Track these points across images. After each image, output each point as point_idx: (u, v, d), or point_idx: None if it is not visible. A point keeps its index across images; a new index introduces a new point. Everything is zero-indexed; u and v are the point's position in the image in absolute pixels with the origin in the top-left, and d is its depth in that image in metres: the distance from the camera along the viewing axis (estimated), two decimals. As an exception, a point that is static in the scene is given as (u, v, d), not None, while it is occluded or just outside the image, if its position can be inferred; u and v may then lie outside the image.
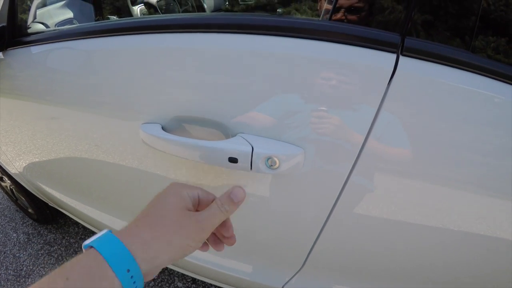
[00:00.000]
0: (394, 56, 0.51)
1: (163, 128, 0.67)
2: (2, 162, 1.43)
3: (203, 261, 0.94)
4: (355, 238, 0.67)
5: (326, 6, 0.66)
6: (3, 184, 1.90)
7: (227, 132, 0.63)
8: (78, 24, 1.25)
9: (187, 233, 0.42)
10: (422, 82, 0.51)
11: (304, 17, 1.30)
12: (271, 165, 0.59)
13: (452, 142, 0.52)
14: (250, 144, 0.58)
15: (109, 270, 0.36)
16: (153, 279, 1.51)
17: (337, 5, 0.58)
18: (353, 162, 0.57)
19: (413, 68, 0.51)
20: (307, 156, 0.59)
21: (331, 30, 0.54)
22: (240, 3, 1.94)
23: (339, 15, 0.58)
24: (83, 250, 0.39)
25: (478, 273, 0.64)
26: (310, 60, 0.55)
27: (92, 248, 0.38)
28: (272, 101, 0.58)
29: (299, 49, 0.56)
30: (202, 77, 0.63)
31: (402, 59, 0.51)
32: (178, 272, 1.53)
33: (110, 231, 0.41)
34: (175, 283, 1.49)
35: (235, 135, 0.61)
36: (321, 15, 0.69)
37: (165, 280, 1.51)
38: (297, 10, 1.45)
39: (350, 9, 0.57)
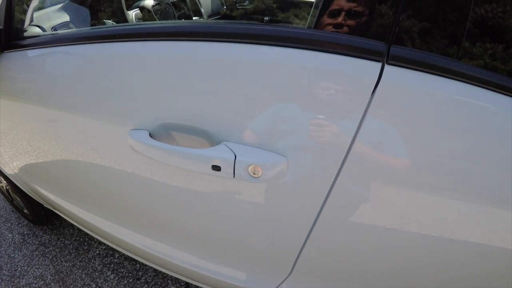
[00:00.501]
0: (379, 64, 0.52)
1: (150, 135, 0.68)
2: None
3: (195, 266, 0.95)
4: (342, 243, 0.68)
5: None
6: (-1, 184, 1.91)
7: (212, 140, 0.64)
8: (74, 29, 1.27)
9: None
10: (406, 90, 0.51)
11: (294, 25, 1.31)
12: (254, 173, 0.60)
13: (437, 149, 0.53)
14: (233, 152, 0.59)
15: None
16: (147, 282, 1.52)
17: (326, 13, 0.59)
18: (338, 169, 0.58)
19: (398, 77, 0.52)
20: (291, 164, 0.60)
21: (317, 39, 0.55)
22: (238, 7, 1.96)
23: (327, 24, 0.59)
24: None
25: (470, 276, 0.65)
26: (296, 68, 0.56)
27: None
28: (257, 109, 0.60)
29: (284, 58, 0.57)
30: (188, 85, 0.64)
31: (387, 67, 0.52)
32: (171, 276, 1.54)
33: None
34: (169, 286, 1.50)
35: (220, 143, 0.62)
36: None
37: (159, 283, 1.52)
38: (296, 16, 1.46)
39: (338, 18, 0.58)
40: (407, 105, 0.52)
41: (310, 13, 0.62)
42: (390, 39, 0.52)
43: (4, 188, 1.86)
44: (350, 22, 0.57)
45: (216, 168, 0.60)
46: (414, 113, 0.52)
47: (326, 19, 0.59)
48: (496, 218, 0.54)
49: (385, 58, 0.52)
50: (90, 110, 0.81)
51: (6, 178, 1.57)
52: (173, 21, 1.37)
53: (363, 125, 0.54)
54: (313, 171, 0.61)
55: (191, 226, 0.86)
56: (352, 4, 0.56)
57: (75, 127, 0.88)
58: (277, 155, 0.60)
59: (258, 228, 0.74)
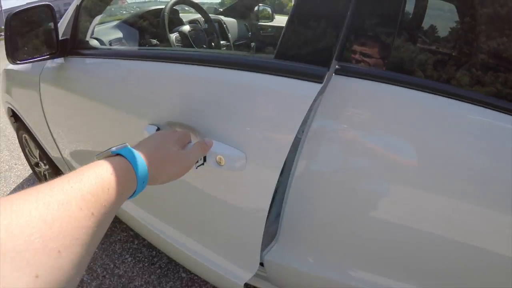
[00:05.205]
0: (319, 85, 0.68)
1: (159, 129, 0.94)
2: (46, 147, 1.76)
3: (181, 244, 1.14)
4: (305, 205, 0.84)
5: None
6: (37, 169, 2.22)
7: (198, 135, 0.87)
8: (121, 47, 1.56)
9: (181, 164, 0.63)
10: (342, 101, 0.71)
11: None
12: (219, 163, 0.80)
13: (365, 146, 0.71)
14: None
15: (134, 180, 0.50)
16: (160, 267, 1.74)
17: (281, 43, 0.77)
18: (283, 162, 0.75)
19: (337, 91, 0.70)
20: (249, 158, 0.79)
21: (276, 67, 0.76)
22: (262, 34, 2.24)
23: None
24: (110, 153, 0.52)
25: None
26: (247, 88, 0.80)
27: (124, 158, 0.51)
28: (228, 115, 0.82)
29: (251, 81, 0.79)
30: (183, 96, 0.91)
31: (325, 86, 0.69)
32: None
33: (129, 146, 0.54)
34: (180, 273, 1.71)
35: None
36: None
37: (171, 269, 1.74)
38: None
39: (290, 45, 0.76)
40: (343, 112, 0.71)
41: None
42: (329, 63, 0.69)
43: (42, 173, 2.16)
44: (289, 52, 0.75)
45: None
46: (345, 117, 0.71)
47: None
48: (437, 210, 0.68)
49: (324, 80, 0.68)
50: (123, 107, 1.09)
51: (49, 161, 1.87)
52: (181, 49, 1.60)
53: (305, 130, 0.74)
54: (265, 164, 0.79)
55: (178, 207, 1.11)
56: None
57: (115, 120, 1.16)
58: (238, 151, 0.79)
59: (230, 209, 0.94)
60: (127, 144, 0.54)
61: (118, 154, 0.51)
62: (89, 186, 0.39)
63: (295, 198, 0.81)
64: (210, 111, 0.85)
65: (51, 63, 1.41)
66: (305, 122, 0.73)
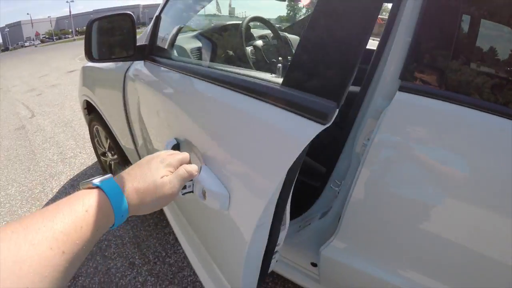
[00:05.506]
0: (321, 127, 0.63)
1: (179, 145, 1.02)
2: (120, 138, 1.92)
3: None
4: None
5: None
6: (103, 159, 2.43)
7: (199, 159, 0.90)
8: (188, 63, 1.60)
9: (165, 194, 0.58)
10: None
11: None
12: (204, 195, 0.78)
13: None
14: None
15: (112, 214, 0.49)
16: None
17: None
18: (266, 204, 0.72)
19: None
20: (234, 197, 0.78)
21: (273, 94, 0.74)
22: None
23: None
24: (91, 184, 0.50)
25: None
26: (245, 116, 0.80)
27: (102, 192, 0.49)
28: (222, 146, 0.84)
29: (242, 106, 0.80)
30: (194, 113, 0.98)
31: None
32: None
33: (112, 177, 0.53)
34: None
35: (200, 165, 0.85)
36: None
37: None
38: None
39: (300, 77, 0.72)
40: None
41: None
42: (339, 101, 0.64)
43: (107, 163, 2.36)
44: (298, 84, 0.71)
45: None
46: None
47: None
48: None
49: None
50: (176, 116, 1.15)
51: (119, 151, 2.03)
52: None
53: (369, 141, 0.77)
54: (247, 205, 0.77)
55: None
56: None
57: (173, 124, 1.22)
58: (222, 188, 0.78)
59: (216, 239, 1.00)
60: (111, 175, 0.54)
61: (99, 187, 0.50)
62: (62, 225, 0.40)
63: (356, 201, 0.86)
64: (211, 134, 0.87)
65: (136, 64, 1.55)
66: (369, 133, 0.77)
